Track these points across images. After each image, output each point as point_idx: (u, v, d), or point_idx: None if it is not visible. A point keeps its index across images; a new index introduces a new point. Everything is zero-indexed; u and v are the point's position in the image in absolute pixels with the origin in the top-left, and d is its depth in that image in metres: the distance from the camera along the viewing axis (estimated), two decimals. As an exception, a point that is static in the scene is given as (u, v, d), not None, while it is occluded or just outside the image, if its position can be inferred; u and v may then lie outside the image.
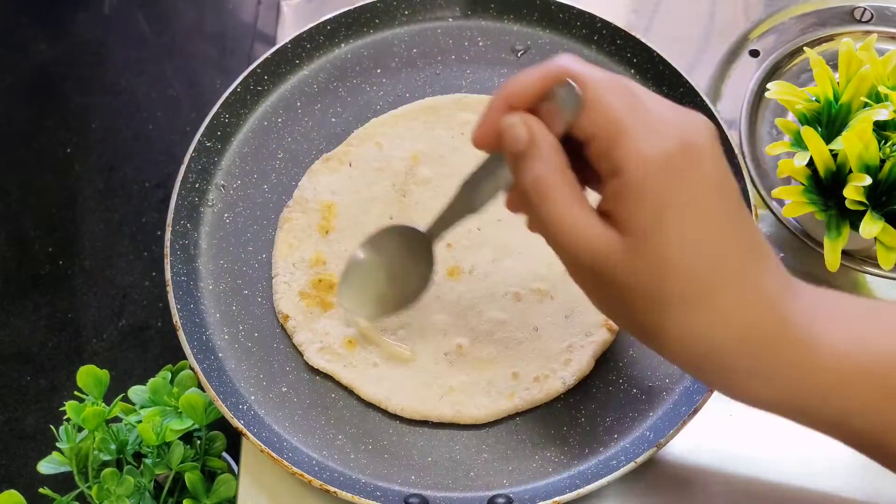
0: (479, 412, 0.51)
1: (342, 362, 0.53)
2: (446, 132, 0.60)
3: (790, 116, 0.58)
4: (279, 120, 0.63)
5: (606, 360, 0.53)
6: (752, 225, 0.37)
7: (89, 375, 0.63)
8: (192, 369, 0.51)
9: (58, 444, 0.63)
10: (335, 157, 0.60)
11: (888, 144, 0.51)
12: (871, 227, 0.50)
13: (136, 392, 0.65)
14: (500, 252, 0.56)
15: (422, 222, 0.56)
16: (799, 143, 0.54)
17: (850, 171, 0.51)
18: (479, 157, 0.58)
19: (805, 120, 0.55)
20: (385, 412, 0.52)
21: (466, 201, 0.43)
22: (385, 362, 0.53)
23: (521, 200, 0.40)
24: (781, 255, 0.60)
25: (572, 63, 0.37)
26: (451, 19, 0.67)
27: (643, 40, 0.62)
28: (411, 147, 0.59)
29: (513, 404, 0.51)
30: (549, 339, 0.53)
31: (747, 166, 0.60)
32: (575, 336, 0.53)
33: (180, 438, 0.62)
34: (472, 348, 0.53)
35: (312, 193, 0.58)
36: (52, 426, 0.65)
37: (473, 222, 0.56)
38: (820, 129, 0.54)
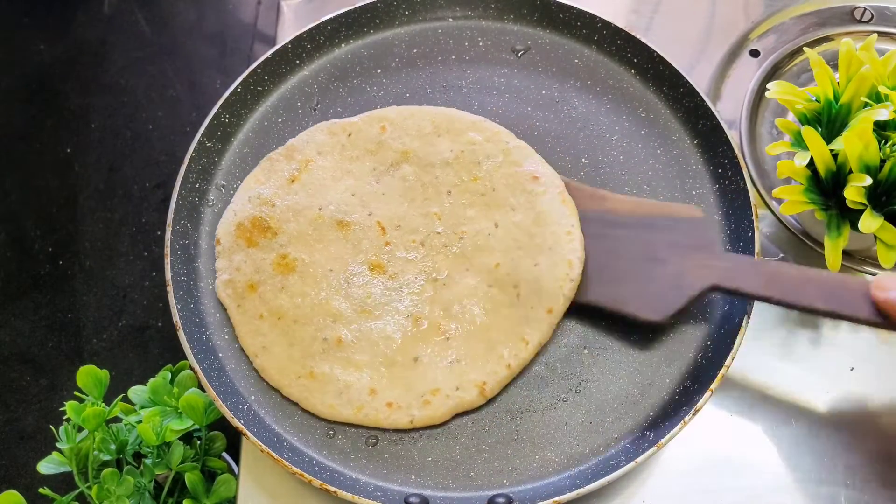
0: (322, 408, 0.51)
1: (238, 301, 0.54)
2: (449, 144, 0.59)
3: (790, 116, 0.58)
4: (279, 120, 0.63)
5: (607, 360, 0.53)
6: None
7: (89, 375, 0.63)
8: (192, 369, 0.51)
9: (58, 444, 0.63)
10: (341, 125, 0.60)
11: (888, 144, 0.51)
12: (870, 222, 0.50)
13: (136, 392, 0.65)
14: (427, 275, 0.54)
15: (379, 213, 0.56)
16: (799, 143, 0.54)
17: (850, 172, 0.51)
18: (465, 179, 0.57)
19: (805, 120, 0.55)
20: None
21: None
22: (271, 316, 0.53)
23: None
24: (781, 255, 0.60)
25: None
26: (451, 19, 0.67)
27: (643, 40, 0.62)
28: (409, 143, 0.59)
29: (354, 417, 0.51)
30: (422, 375, 0.52)
31: (747, 166, 0.60)
32: (447, 384, 0.51)
33: (180, 438, 0.62)
34: (351, 346, 0.52)
35: (303, 145, 0.59)
36: (52, 426, 0.65)
37: (419, 235, 0.55)
38: (820, 129, 0.54)
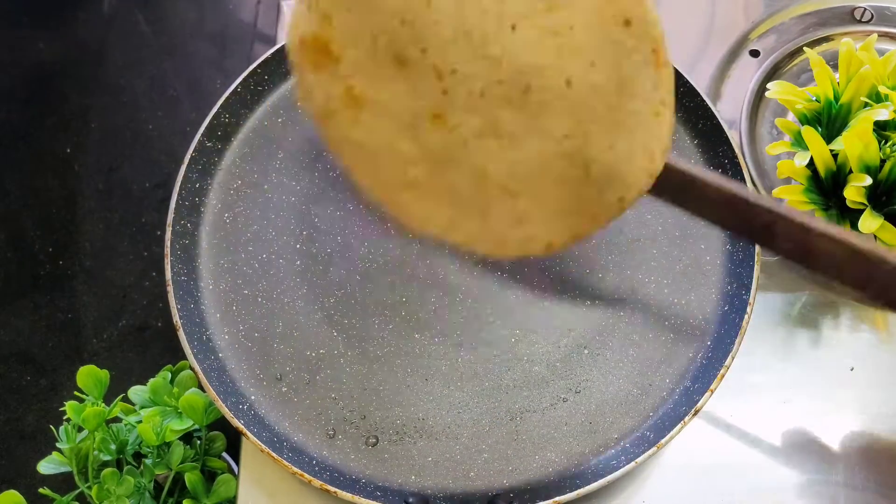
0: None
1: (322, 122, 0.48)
2: None
3: (790, 116, 0.58)
4: (279, 120, 0.63)
5: (606, 360, 0.53)
6: None
7: (89, 375, 0.63)
8: (192, 369, 0.51)
9: (58, 444, 0.63)
10: None
11: (888, 144, 0.51)
12: (870, 222, 0.50)
13: (136, 392, 0.65)
14: (492, 132, 0.47)
15: (432, 50, 0.45)
16: (799, 143, 0.54)
17: (850, 172, 0.51)
18: (538, 8, 0.43)
19: (805, 120, 0.55)
20: (384, 411, 0.52)
21: None
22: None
23: None
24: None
25: None
26: (451, 19, 0.66)
27: (643, 40, 0.62)
28: None
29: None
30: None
31: (747, 166, 0.60)
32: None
33: (180, 438, 0.62)
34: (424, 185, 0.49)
35: None
36: (52, 426, 0.65)
37: (478, 83, 0.46)
38: (820, 129, 0.54)
